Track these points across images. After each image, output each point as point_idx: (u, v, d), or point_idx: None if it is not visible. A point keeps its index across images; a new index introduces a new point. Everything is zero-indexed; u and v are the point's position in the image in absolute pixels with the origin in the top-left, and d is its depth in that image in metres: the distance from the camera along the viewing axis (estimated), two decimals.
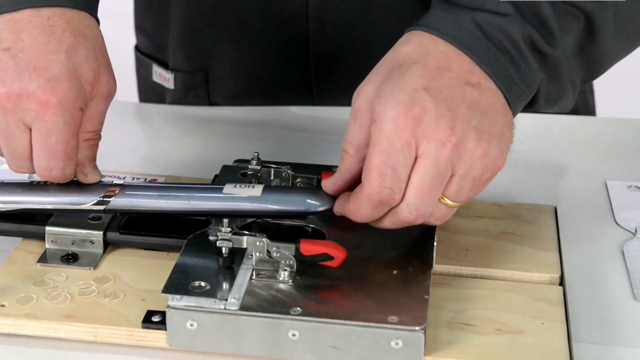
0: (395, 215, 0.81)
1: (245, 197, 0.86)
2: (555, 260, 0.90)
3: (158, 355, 0.81)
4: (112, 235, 0.90)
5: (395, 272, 0.83)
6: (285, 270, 0.82)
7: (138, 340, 0.81)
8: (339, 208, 0.84)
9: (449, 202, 0.81)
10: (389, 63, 0.83)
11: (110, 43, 0.95)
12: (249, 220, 0.90)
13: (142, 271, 0.88)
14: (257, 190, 0.86)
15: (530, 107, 0.86)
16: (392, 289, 0.81)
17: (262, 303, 0.79)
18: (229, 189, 0.87)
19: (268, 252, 0.83)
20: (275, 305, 0.79)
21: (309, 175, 0.94)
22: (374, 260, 0.85)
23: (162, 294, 0.79)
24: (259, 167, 0.93)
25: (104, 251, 0.90)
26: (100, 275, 0.87)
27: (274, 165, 0.94)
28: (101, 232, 0.90)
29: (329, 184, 0.85)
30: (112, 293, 0.85)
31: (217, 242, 0.83)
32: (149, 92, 1.33)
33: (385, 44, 1.16)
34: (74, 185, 0.88)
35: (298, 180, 0.93)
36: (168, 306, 0.79)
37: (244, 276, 0.82)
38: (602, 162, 1.09)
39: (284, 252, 0.82)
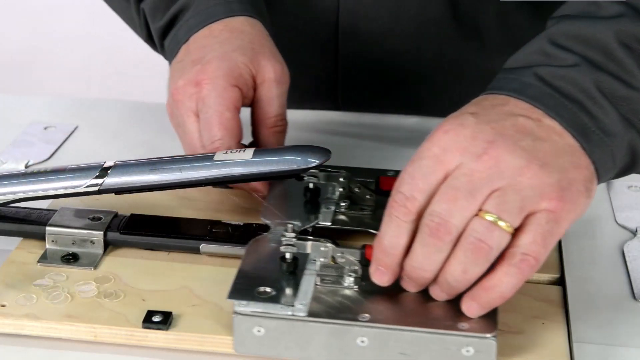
0: (422, 233, 0.75)
1: (236, 161, 0.86)
2: (555, 260, 0.90)
3: (158, 356, 0.81)
4: (113, 235, 0.90)
5: None
6: (351, 275, 0.80)
7: (138, 340, 0.81)
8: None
9: (488, 217, 0.74)
10: None
11: None
12: (308, 225, 0.88)
13: (143, 271, 0.88)
14: (248, 153, 0.86)
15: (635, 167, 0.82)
16: (459, 295, 0.78)
17: (329, 309, 0.78)
18: (220, 155, 0.87)
19: (332, 257, 0.82)
20: (343, 311, 0.78)
21: (366, 180, 0.93)
22: None
23: (228, 299, 0.78)
24: (316, 171, 0.92)
25: (104, 251, 0.90)
26: (100, 275, 0.87)
27: (331, 170, 0.93)
28: (101, 232, 0.90)
29: None
30: (113, 293, 0.85)
31: (281, 247, 0.82)
32: None
33: (414, 54, 1.16)
34: (67, 171, 0.88)
35: (356, 185, 0.92)
36: (235, 312, 0.78)
37: (308, 282, 0.81)
38: None
39: (349, 257, 0.81)
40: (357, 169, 0.94)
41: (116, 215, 0.92)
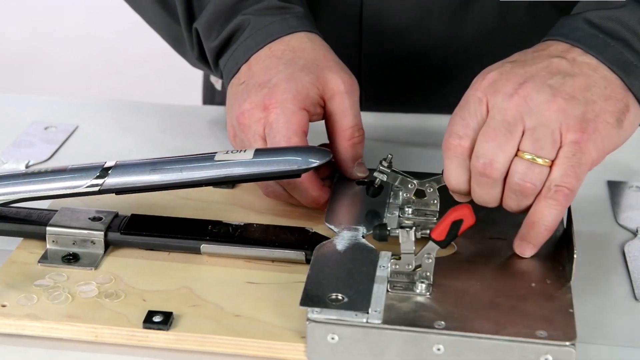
0: (473, 173, 0.83)
1: (237, 162, 0.86)
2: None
3: (159, 356, 0.81)
4: (113, 236, 0.90)
5: (533, 284, 0.81)
6: (423, 282, 0.80)
7: (139, 341, 0.81)
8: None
9: (527, 156, 0.82)
10: None
11: None
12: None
13: (143, 271, 0.88)
14: (248, 154, 0.87)
15: None
16: (533, 302, 0.78)
17: (404, 316, 0.77)
18: (220, 155, 0.87)
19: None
20: (418, 318, 0.77)
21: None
22: (508, 273, 0.82)
23: (301, 307, 0.78)
24: (389, 170, 0.91)
25: (104, 251, 0.90)
26: (101, 276, 0.87)
27: (403, 174, 0.91)
28: (102, 233, 0.90)
29: None
30: (113, 293, 0.85)
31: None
32: (208, 91, 1.33)
33: (441, 51, 1.15)
34: (68, 171, 0.88)
35: (421, 190, 0.91)
36: (308, 319, 0.77)
37: (379, 288, 0.80)
38: (604, 162, 1.09)
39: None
40: (421, 174, 0.93)
41: (117, 215, 0.92)
